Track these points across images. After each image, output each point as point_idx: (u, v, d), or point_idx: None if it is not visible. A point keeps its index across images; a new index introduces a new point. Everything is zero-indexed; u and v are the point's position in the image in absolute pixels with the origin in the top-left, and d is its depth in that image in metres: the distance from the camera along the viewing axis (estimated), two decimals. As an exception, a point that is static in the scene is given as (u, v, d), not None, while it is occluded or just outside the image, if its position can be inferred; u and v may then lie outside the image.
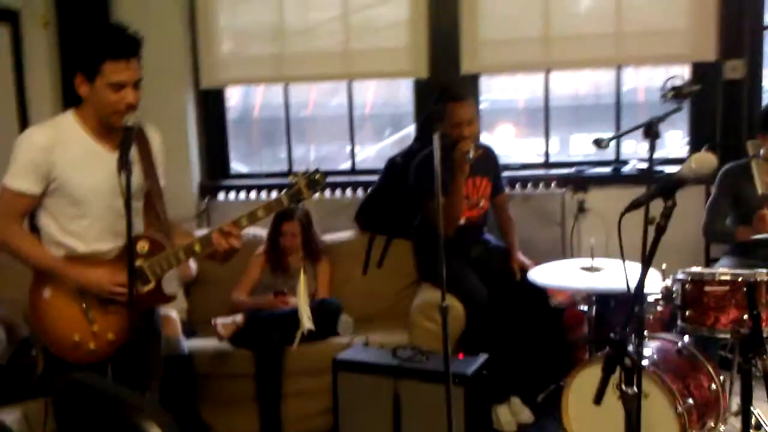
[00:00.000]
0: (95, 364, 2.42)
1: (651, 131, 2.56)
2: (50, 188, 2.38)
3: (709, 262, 3.87)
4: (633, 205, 2.08)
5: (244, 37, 4.43)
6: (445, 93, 3.64)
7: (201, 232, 2.53)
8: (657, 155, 4.21)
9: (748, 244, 3.23)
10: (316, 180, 2.43)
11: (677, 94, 2.84)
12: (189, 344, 3.49)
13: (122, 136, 2.32)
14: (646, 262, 1.88)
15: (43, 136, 2.37)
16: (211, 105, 4.55)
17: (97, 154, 2.42)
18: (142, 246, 2.45)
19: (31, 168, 2.34)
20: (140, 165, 2.48)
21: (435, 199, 2.47)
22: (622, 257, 2.09)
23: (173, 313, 3.53)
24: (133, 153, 2.40)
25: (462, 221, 3.64)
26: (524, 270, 3.54)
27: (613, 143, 4.52)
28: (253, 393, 3.42)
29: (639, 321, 2.05)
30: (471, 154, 3.40)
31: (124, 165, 2.24)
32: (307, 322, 3.12)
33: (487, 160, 3.76)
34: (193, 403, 3.37)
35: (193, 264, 3.88)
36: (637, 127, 2.65)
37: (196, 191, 4.43)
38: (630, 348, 2.02)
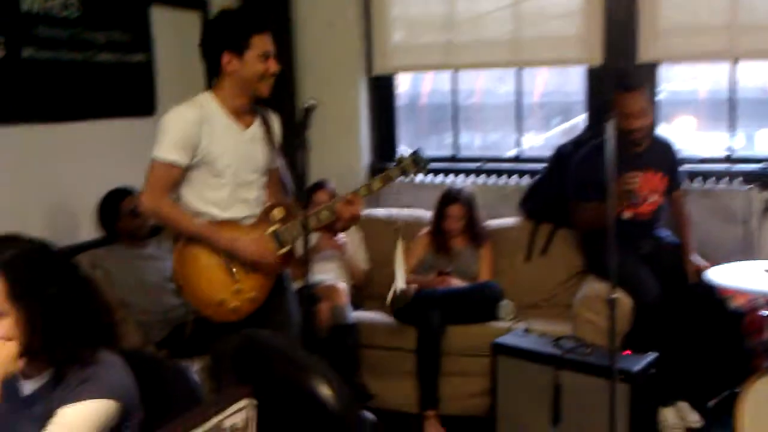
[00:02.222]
0: (238, 322, 2.56)
1: None
2: (195, 161, 2.57)
3: None
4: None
5: (415, 26, 4.49)
6: (617, 82, 3.52)
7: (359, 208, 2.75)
8: None
9: None
10: (419, 158, 2.82)
11: None
12: (355, 315, 3.62)
13: (302, 116, 2.54)
14: None
15: (190, 112, 2.57)
16: (382, 91, 4.65)
17: (235, 131, 2.63)
18: (279, 212, 2.69)
19: (181, 141, 2.54)
20: (266, 144, 2.69)
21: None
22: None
23: (341, 284, 3.66)
24: (261, 132, 2.67)
25: (629, 215, 3.49)
26: (699, 272, 3.34)
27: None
28: (413, 367, 3.49)
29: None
30: (635, 197, 3.28)
31: (302, 142, 2.48)
32: (399, 282, 3.44)
33: (664, 152, 3.59)
34: (356, 371, 3.49)
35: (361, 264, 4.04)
36: None
37: (366, 173, 4.55)
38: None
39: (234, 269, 2.62)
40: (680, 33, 3.94)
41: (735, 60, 3.97)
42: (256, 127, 2.68)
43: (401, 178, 2.85)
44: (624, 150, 3.28)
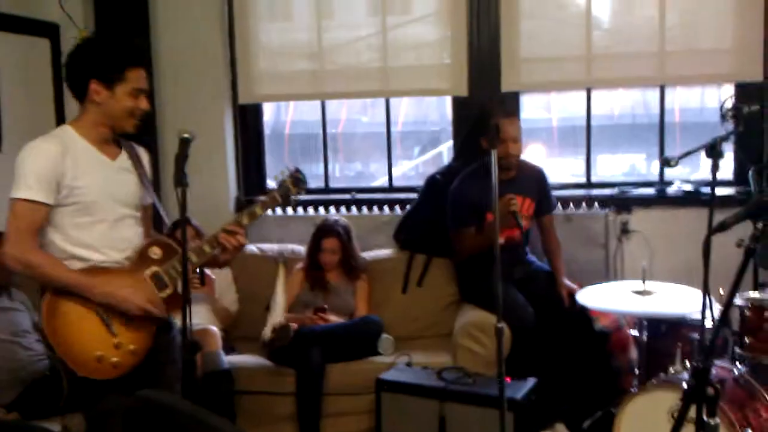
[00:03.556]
0: (119, 378, 2.37)
1: (715, 151, 2.50)
2: (60, 197, 2.35)
3: (758, 286, 3.78)
4: (719, 228, 2.01)
5: (281, 54, 4.41)
6: (494, 109, 3.62)
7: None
8: (696, 177, 4.17)
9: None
10: (299, 178, 2.72)
11: (736, 114, 2.78)
12: (229, 360, 3.44)
13: (180, 147, 2.36)
14: (733, 287, 1.80)
15: (50, 146, 2.37)
16: (248, 121, 4.52)
17: (101, 162, 2.45)
18: (155, 251, 2.49)
19: (42, 177, 2.32)
20: (136, 176, 2.53)
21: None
22: (706, 280, 2.01)
23: (212, 328, 3.49)
24: (129, 164, 2.52)
25: (501, 240, 3.58)
26: (571, 295, 3.47)
27: (651, 164, 4.47)
28: (293, 411, 3.36)
29: (710, 348, 1.97)
30: (520, 219, 3.33)
31: (180, 178, 2.30)
32: (278, 316, 3.43)
33: (532, 178, 3.70)
34: (233, 419, 3.31)
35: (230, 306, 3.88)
36: (701, 147, 2.58)
37: (233, 206, 4.39)
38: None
39: (111, 321, 2.39)
40: (539, 63, 4.11)
41: (589, 89, 4.20)
42: (123, 159, 2.50)
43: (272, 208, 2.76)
44: (503, 177, 3.38)
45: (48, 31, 4.07)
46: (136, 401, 1.79)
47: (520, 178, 3.61)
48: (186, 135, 2.36)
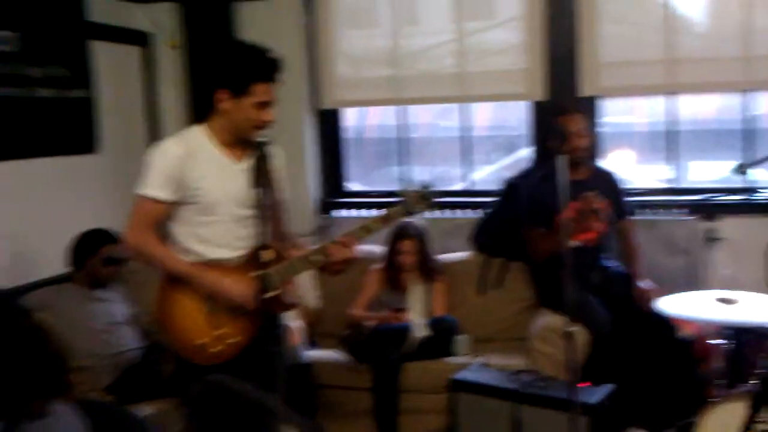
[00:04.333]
0: (221, 365, 2.49)
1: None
2: (182, 196, 2.50)
3: None
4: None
5: (361, 60, 4.51)
6: (553, 108, 3.62)
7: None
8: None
9: None
10: (427, 194, 2.57)
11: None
12: (309, 355, 3.55)
13: (258, 150, 2.49)
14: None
15: (176, 147, 2.51)
16: (328, 125, 4.63)
17: (226, 164, 2.55)
18: (269, 254, 2.53)
19: (166, 176, 2.48)
20: (263, 178, 2.59)
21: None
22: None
23: (294, 323, 3.59)
24: (257, 166, 2.56)
25: (577, 243, 3.53)
26: (647, 297, 3.40)
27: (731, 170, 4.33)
28: (370, 406, 3.43)
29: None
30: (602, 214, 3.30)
31: (260, 179, 2.42)
32: (421, 330, 3.34)
33: (606, 181, 3.65)
34: (314, 413, 3.41)
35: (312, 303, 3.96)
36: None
37: (314, 207, 4.50)
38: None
39: (215, 313, 2.53)
40: (619, 68, 4.06)
41: (673, 93, 4.11)
42: (250, 161, 2.57)
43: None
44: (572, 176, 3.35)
45: (139, 39, 4.29)
46: (206, 385, 1.88)
47: (593, 180, 3.56)
48: (262, 139, 2.49)
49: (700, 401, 2.98)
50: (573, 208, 3.42)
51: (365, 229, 2.55)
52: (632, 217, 3.80)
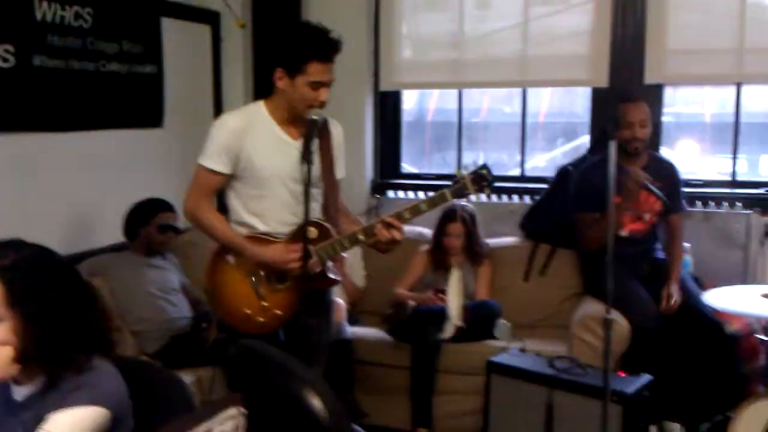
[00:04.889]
0: (264, 335, 2.57)
1: None
2: (238, 169, 2.59)
3: None
4: None
5: (424, 43, 4.54)
6: (618, 95, 3.60)
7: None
8: None
9: None
10: (483, 176, 2.51)
11: None
12: (352, 331, 3.63)
13: (306, 128, 2.53)
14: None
15: (234, 121, 2.60)
16: (388, 107, 4.69)
17: (282, 141, 2.62)
18: (312, 231, 2.58)
19: (223, 149, 2.57)
20: (320, 156, 2.65)
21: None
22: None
23: (339, 300, 3.69)
24: (316, 144, 2.59)
25: (625, 233, 3.49)
26: (672, 306, 3.38)
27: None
28: (407, 384, 3.50)
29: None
30: (655, 190, 3.29)
31: (306, 156, 2.47)
32: (456, 319, 3.35)
33: (663, 172, 3.58)
34: (350, 388, 3.50)
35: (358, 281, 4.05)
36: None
37: (369, 188, 4.59)
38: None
39: (260, 285, 2.64)
40: (687, 55, 3.96)
41: (739, 83, 3.99)
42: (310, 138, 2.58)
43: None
44: (623, 163, 3.31)
45: (210, 18, 4.43)
46: (239, 350, 1.98)
47: (650, 168, 3.50)
48: (315, 117, 2.53)
49: (740, 397, 2.94)
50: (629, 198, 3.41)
51: (414, 210, 2.53)
52: (684, 212, 3.72)
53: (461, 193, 2.52)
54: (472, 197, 2.60)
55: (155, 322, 3.38)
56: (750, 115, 4.16)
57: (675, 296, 3.43)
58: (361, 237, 2.57)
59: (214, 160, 2.58)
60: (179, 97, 4.17)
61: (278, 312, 2.64)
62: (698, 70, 4.00)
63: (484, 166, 2.51)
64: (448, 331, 3.51)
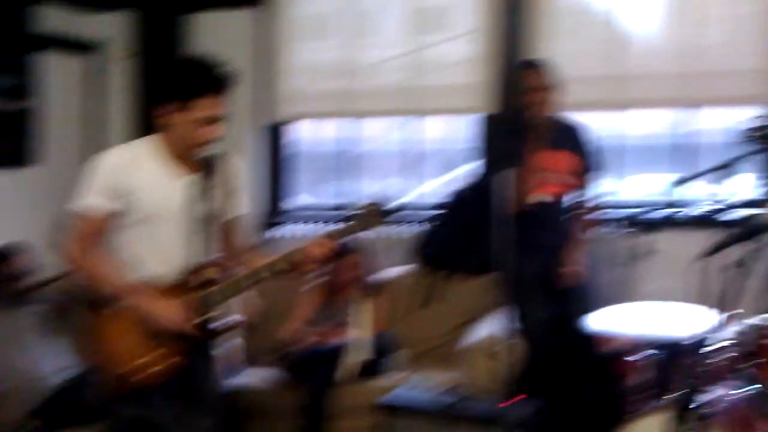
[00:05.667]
0: (149, 390, 2.46)
1: (727, 171, 2.47)
2: (121, 207, 2.45)
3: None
4: (717, 248, 2.02)
5: (313, 73, 4.51)
6: (520, 63, 3.54)
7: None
8: (721, 198, 4.09)
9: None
10: (380, 211, 2.52)
11: (762, 135, 2.74)
12: (243, 375, 3.50)
13: (202, 164, 2.42)
14: (728, 308, 1.81)
15: (119, 157, 2.49)
16: (276, 138, 4.64)
17: (175, 177, 2.50)
18: (207, 272, 2.46)
19: (106, 187, 2.44)
20: (218, 192, 2.51)
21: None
22: (707, 302, 2.01)
23: (230, 343, 3.57)
24: (213, 180, 2.46)
25: (546, 197, 3.52)
26: (566, 277, 3.44)
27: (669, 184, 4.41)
28: (301, 425, 3.41)
29: (711, 368, 1.98)
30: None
31: (203, 193, 2.37)
32: (360, 354, 3.24)
33: (570, 134, 3.63)
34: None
35: None
36: (717, 168, 2.54)
37: (260, 222, 4.50)
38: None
39: (147, 336, 2.49)
40: (572, 83, 4.08)
41: (619, 109, 4.19)
42: (201, 174, 2.47)
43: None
44: (531, 131, 3.38)
45: (90, 50, 4.27)
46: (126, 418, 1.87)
47: (558, 132, 3.56)
48: (210, 152, 2.44)
49: (624, 414, 3.03)
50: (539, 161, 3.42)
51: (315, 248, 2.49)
52: (599, 171, 3.73)
53: (362, 226, 2.53)
54: (372, 230, 2.58)
55: (27, 379, 3.20)
56: (628, 138, 4.35)
57: (573, 261, 3.49)
58: (281, 265, 2.49)
59: (97, 199, 2.44)
60: (58, 132, 3.98)
61: (165, 363, 2.49)
62: (584, 96, 4.13)
63: (384, 199, 2.54)
64: (350, 368, 3.46)
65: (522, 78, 3.49)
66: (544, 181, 3.47)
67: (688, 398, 2.51)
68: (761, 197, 3.93)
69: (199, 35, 4.45)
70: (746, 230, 1.97)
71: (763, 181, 3.92)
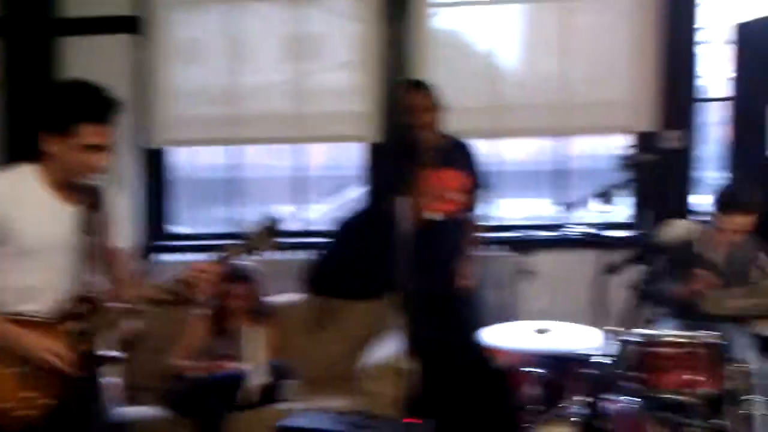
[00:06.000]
0: (29, 430, 2.29)
1: (608, 197, 2.64)
2: (0, 238, 2.29)
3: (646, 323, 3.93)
4: (609, 269, 2.12)
5: (193, 98, 4.40)
6: (406, 84, 3.74)
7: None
8: (595, 220, 4.33)
9: (681, 305, 3.33)
10: (272, 230, 2.46)
11: (633, 163, 2.95)
12: (128, 411, 3.31)
13: (86, 194, 2.33)
14: (623, 324, 1.90)
15: None
16: (153, 164, 4.47)
17: (56, 208, 2.37)
18: (83, 306, 2.37)
19: None
20: (101, 222, 2.43)
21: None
22: (590, 319, 2.10)
23: (111, 379, 3.38)
24: (97, 211, 2.40)
25: (437, 216, 3.56)
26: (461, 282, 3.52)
27: (553, 207, 4.64)
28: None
29: (607, 382, 2.07)
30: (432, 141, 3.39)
31: (87, 224, 2.29)
32: (259, 380, 3.21)
33: (458, 152, 3.71)
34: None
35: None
36: (597, 193, 2.71)
37: (141, 250, 4.30)
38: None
39: (23, 373, 2.31)
40: (450, 113, 4.17)
41: (497, 137, 4.35)
42: (84, 205, 2.39)
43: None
44: (420, 151, 3.43)
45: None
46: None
47: (447, 150, 3.62)
48: (94, 183, 2.36)
49: (514, 428, 3.11)
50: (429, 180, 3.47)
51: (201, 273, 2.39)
52: (489, 187, 3.84)
53: (251, 249, 2.45)
54: (262, 254, 2.51)
55: None
56: (509, 164, 4.54)
57: (467, 275, 3.60)
58: (166, 295, 2.39)
59: None
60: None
61: (44, 401, 2.33)
62: (459, 125, 4.20)
63: (274, 221, 2.46)
64: (248, 394, 3.35)
65: (409, 98, 3.57)
66: (434, 200, 3.52)
67: (586, 411, 2.61)
68: (633, 220, 4.26)
69: (73, 60, 4.23)
70: (641, 251, 2.09)
71: (635, 205, 4.23)
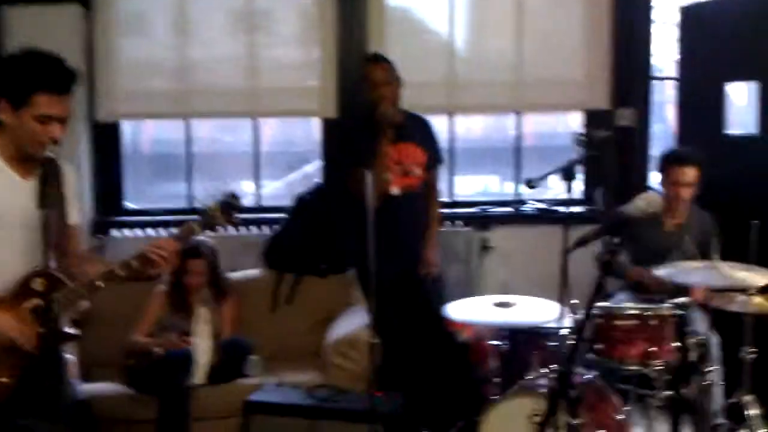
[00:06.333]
0: None
1: (569, 173, 2.68)
2: None
3: (605, 296, 4.05)
4: (580, 242, 2.17)
5: (144, 71, 4.28)
6: (366, 58, 3.70)
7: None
8: (544, 196, 4.41)
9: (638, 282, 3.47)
10: (232, 204, 2.39)
11: (589, 140, 3.01)
12: (85, 389, 3.28)
13: (42, 167, 2.24)
14: (594, 296, 1.95)
15: None
16: (105, 139, 4.34)
17: (11, 181, 2.29)
18: (40, 282, 2.29)
19: None
20: (56, 197, 2.33)
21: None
22: (564, 291, 2.15)
23: (68, 356, 3.30)
24: (53, 185, 2.30)
25: (397, 191, 3.54)
26: (431, 271, 3.56)
27: (508, 184, 4.71)
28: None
29: (572, 354, 2.12)
30: (392, 114, 3.39)
31: (44, 199, 2.20)
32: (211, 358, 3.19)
33: (417, 127, 3.70)
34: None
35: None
36: (559, 169, 2.74)
37: (88, 228, 4.18)
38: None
39: None
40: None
41: (452, 114, 4.36)
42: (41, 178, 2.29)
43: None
44: (378, 126, 3.42)
45: None
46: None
47: (406, 127, 3.60)
48: (51, 155, 2.25)
49: (479, 401, 3.17)
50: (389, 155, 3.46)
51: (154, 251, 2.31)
52: (442, 163, 3.84)
53: (210, 225, 2.39)
54: (221, 228, 2.47)
55: None
56: (465, 141, 4.56)
57: (433, 262, 3.61)
58: (120, 272, 2.32)
59: None
60: None
61: (7, 380, 2.27)
62: (416, 101, 4.24)
63: (233, 195, 2.40)
64: (199, 376, 3.33)
65: (368, 72, 3.54)
66: (395, 175, 3.52)
67: (551, 383, 2.67)
68: (587, 196, 4.35)
69: (18, 30, 4.05)
70: (608, 226, 2.13)
71: (589, 181, 4.33)
